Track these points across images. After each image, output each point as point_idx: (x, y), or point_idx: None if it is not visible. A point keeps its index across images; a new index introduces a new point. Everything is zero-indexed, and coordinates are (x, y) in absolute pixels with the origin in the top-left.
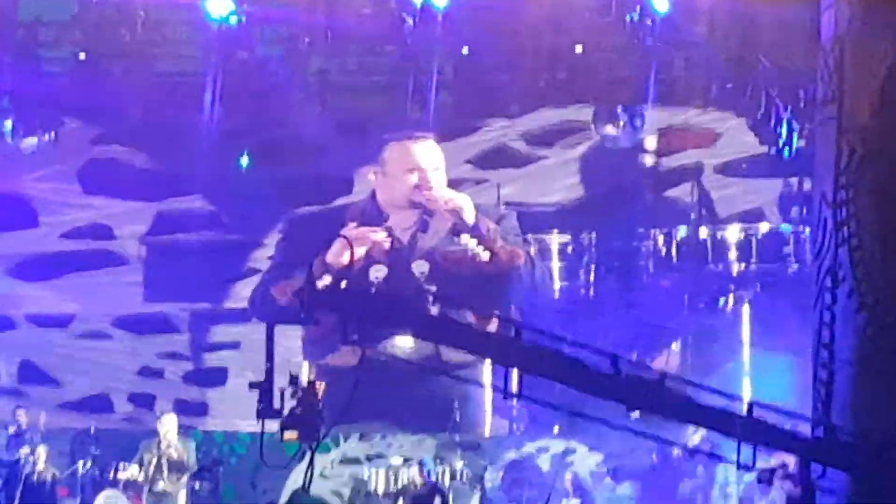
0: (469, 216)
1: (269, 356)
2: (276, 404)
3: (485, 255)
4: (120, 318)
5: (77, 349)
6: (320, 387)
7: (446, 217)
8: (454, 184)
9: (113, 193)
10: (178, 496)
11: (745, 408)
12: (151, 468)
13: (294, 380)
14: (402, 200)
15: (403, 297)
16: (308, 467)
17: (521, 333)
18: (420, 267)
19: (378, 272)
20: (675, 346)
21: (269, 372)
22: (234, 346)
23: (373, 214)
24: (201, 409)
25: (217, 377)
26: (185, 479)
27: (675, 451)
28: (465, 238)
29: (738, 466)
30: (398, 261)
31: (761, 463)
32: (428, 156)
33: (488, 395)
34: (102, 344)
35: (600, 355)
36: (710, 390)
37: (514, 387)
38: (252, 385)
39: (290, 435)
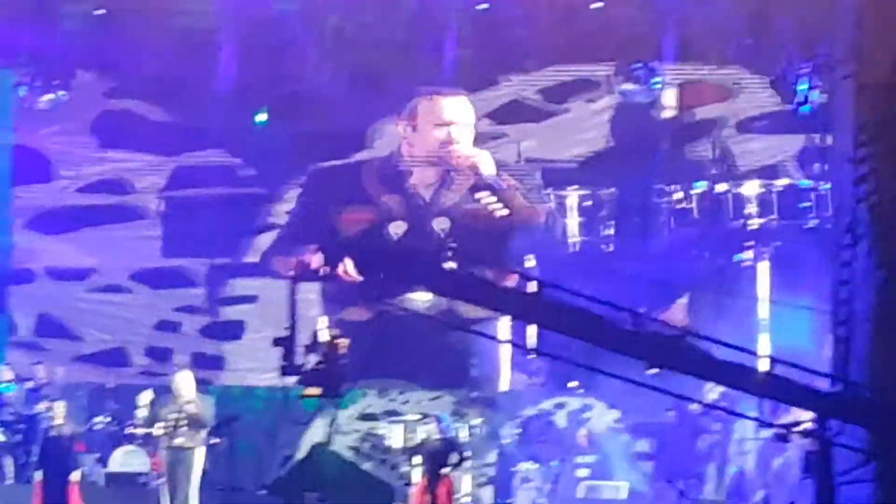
0: (489, 172)
1: (292, 313)
2: (299, 361)
3: (503, 212)
4: (137, 272)
5: (94, 303)
6: (343, 343)
7: (468, 173)
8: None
9: (130, 147)
10: (196, 451)
11: (765, 365)
12: (171, 425)
13: (316, 336)
14: (429, 154)
15: (422, 252)
16: (331, 422)
17: (543, 289)
18: (441, 224)
19: (397, 228)
20: (686, 301)
21: (292, 329)
22: (251, 299)
23: (391, 173)
24: (218, 363)
25: (234, 331)
26: (203, 434)
27: (693, 408)
28: (484, 195)
29: (759, 423)
30: (419, 217)
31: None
32: (458, 111)
33: (505, 350)
34: (120, 298)
35: (621, 311)
36: (730, 346)
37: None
38: (276, 341)
39: (313, 391)
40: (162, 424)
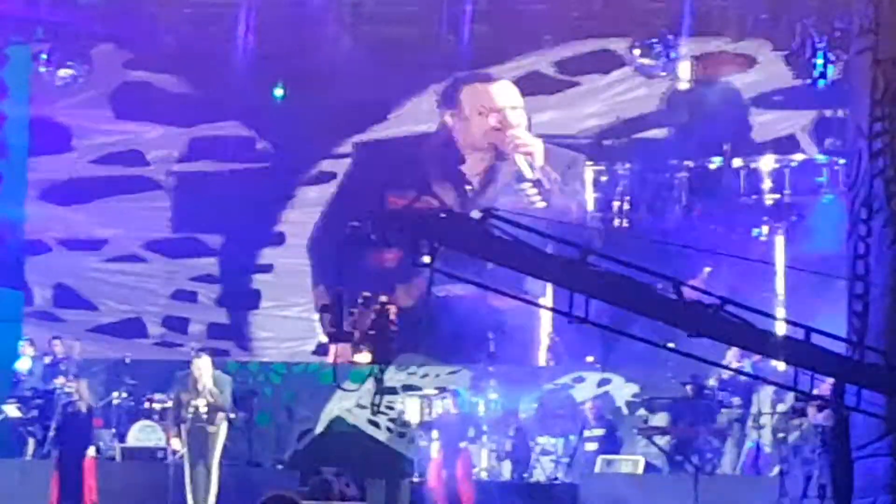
0: (538, 163)
1: (340, 278)
2: (347, 327)
3: (541, 205)
4: (153, 242)
5: (110, 273)
6: (393, 308)
7: (516, 160)
8: None
9: (146, 118)
10: (221, 430)
11: (796, 334)
12: (192, 411)
13: (367, 301)
14: (480, 142)
15: (469, 219)
16: (378, 388)
17: (587, 257)
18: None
19: None
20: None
21: (339, 295)
22: (267, 269)
23: (447, 155)
24: (235, 332)
25: (250, 300)
26: (223, 416)
27: (711, 383)
28: (527, 186)
29: (796, 392)
30: (462, 207)
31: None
32: (505, 96)
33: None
34: (136, 268)
35: (664, 280)
36: (768, 315)
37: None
38: (323, 308)
39: (362, 357)
40: (183, 409)
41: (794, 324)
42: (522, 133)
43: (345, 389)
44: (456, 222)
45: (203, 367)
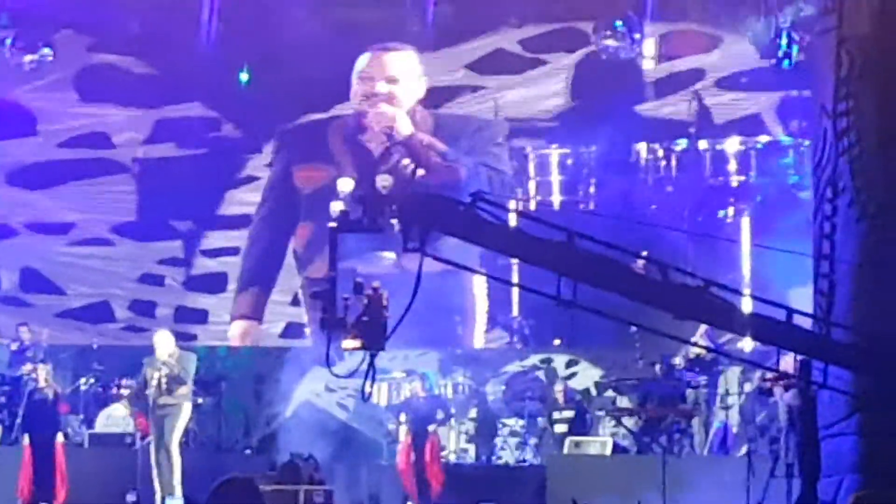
0: (403, 131)
1: (333, 264)
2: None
3: (420, 172)
4: (119, 226)
5: (77, 257)
6: (384, 295)
7: (383, 131)
8: (452, 91)
9: (110, 101)
10: (183, 409)
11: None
12: (154, 384)
13: (359, 287)
14: (358, 109)
15: (460, 202)
16: (368, 373)
17: (574, 239)
18: (383, 181)
19: (345, 185)
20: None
21: (333, 281)
22: (234, 251)
23: (351, 130)
24: (201, 316)
25: (217, 283)
26: (183, 391)
27: (678, 363)
28: (397, 155)
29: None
30: (367, 174)
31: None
32: (386, 66)
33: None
34: (102, 251)
35: (650, 263)
36: (759, 300)
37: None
38: (315, 294)
39: (353, 343)
40: (147, 385)
41: (775, 304)
42: (384, 105)
43: (337, 375)
44: (445, 206)
45: (160, 341)
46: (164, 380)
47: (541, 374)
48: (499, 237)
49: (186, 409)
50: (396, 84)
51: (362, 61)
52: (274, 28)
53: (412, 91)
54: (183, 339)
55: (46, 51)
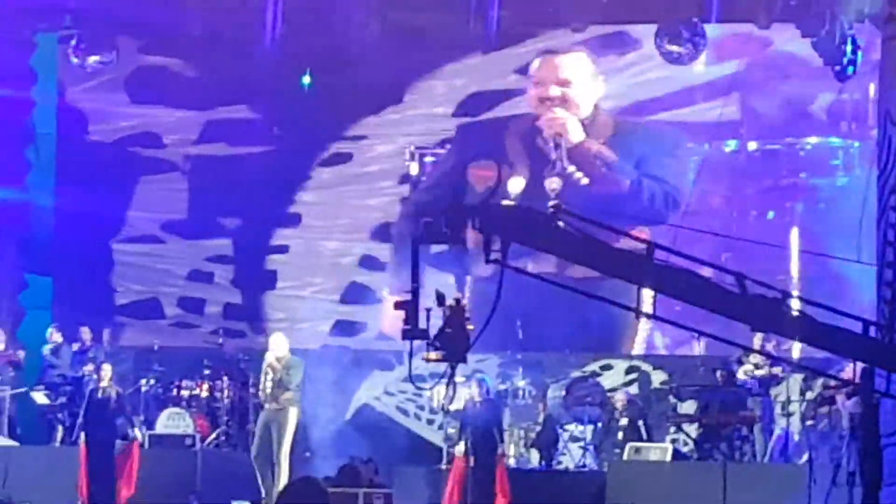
0: (574, 139)
1: (415, 275)
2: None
3: (584, 181)
4: (169, 223)
5: (128, 254)
6: (466, 306)
7: (556, 139)
8: (503, 95)
9: (160, 102)
10: (289, 416)
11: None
12: (261, 388)
13: (441, 299)
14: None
15: (539, 213)
16: (449, 385)
17: (653, 252)
18: (552, 184)
19: (516, 186)
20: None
21: (415, 291)
22: (283, 250)
23: (528, 129)
24: (250, 313)
25: (266, 281)
26: (287, 396)
27: (742, 373)
28: (566, 163)
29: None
30: (537, 176)
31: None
32: (557, 69)
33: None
34: (153, 248)
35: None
36: (833, 311)
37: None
38: (398, 305)
39: (434, 355)
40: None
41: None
42: (559, 108)
43: (419, 388)
44: (526, 217)
45: (272, 343)
46: (269, 385)
47: (602, 379)
48: (578, 248)
49: (292, 416)
50: (569, 87)
51: (534, 65)
52: (333, 31)
53: (588, 93)
54: (230, 336)
55: (107, 54)
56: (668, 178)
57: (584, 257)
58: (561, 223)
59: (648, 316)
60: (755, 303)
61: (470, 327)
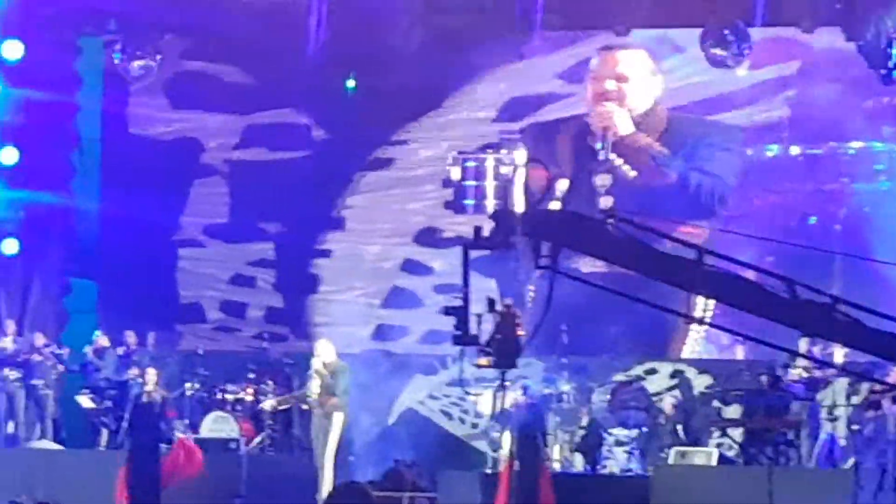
0: (622, 131)
1: (466, 280)
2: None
3: (631, 174)
4: (210, 227)
5: (171, 258)
6: (517, 313)
7: (605, 133)
8: (544, 99)
9: (200, 107)
10: (333, 421)
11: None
12: (309, 394)
13: (492, 304)
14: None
15: (587, 219)
16: (498, 392)
17: (703, 256)
18: (603, 180)
19: (562, 185)
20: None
21: (466, 297)
22: (325, 254)
23: (579, 128)
24: (292, 317)
25: (308, 285)
26: (333, 401)
27: (795, 374)
28: (612, 155)
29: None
30: (585, 174)
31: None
32: (614, 64)
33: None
34: (195, 252)
35: (777, 279)
36: (878, 314)
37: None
38: (448, 310)
39: (485, 361)
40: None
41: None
42: (610, 102)
43: (469, 393)
44: (576, 223)
45: (318, 349)
46: (315, 391)
47: (647, 383)
48: (627, 254)
49: (338, 422)
50: (626, 82)
51: (593, 62)
52: (377, 36)
53: (645, 89)
54: (273, 340)
55: (153, 58)
56: (718, 173)
57: (634, 263)
58: (610, 227)
59: (699, 322)
60: (806, 308)
61: (521, 333)
